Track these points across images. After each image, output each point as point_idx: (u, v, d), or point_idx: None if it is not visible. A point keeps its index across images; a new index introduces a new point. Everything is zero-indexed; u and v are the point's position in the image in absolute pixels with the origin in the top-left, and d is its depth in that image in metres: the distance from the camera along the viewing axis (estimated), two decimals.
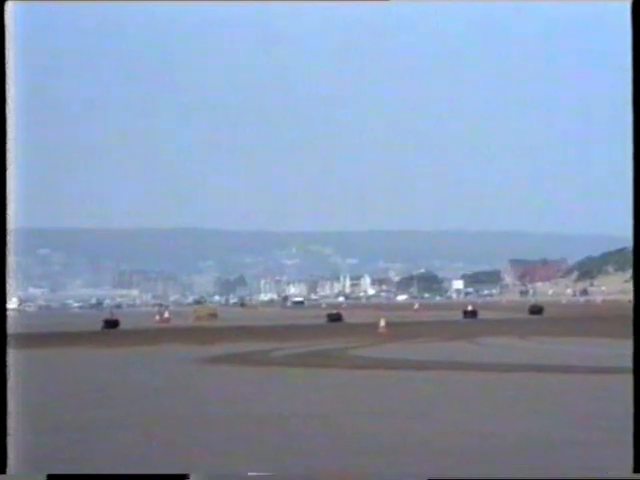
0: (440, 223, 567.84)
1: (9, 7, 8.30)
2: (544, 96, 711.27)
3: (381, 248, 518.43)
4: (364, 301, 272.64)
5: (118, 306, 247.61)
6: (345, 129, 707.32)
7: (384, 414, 17.26)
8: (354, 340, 45.32)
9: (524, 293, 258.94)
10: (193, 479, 10.44)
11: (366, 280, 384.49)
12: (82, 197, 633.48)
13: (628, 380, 9.88)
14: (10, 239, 8.40)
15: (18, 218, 8.69)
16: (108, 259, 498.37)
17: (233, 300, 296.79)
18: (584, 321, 67.31)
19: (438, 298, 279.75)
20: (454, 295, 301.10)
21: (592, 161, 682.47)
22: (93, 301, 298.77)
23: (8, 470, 8.57)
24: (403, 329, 57.33)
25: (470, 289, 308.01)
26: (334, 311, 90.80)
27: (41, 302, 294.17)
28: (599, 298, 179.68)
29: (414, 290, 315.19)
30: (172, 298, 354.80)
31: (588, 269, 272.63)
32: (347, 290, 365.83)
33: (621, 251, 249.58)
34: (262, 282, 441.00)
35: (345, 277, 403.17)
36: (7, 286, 8.35)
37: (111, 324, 73.43)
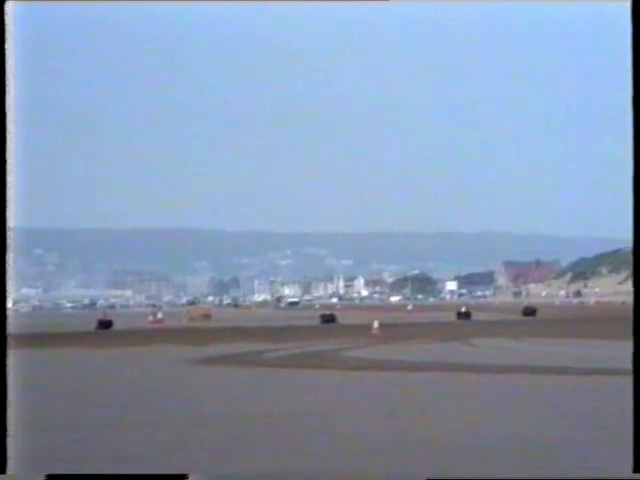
0: (434, 225, 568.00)
1: (9, 7, 8.30)
2: (542, 97, 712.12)
3: (375, 249, 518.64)
4: (358, 302, 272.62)
5: (111, 306, 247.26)
6: (341, 131, 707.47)
7: (378, 415, 17.27)
8: (348, 341, 45.32)
9: (517, 294, 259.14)
10: (192, 479, 10.44)
11: (360, 281, 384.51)
12: (76, 197, 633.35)
13: (622, 381, 9.93)
14: (10, 239, 8.40)
15: (12, 218, 8.69)
16: (102, 259, 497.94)
17: (227, 301, 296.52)
18: (577, 323, 67.39)
19: (432, 299, 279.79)
20: (448, 296, 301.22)
21: (587, 163, 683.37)
22: (86, 301, 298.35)
23: (8, 470, 8.57)
24: (397, 330, 57.34)
25: (464, 290, 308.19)
26: (328, 312, 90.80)
27: (35, 302, 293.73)
28: (592, 300, 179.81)
29: (408, 291, 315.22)
30: (166, 299, 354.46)
31: (582, 271, 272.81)
32: (341, 291, 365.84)
33: (615, 253, 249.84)
34: (256, 283, 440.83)
35: (339, 278, 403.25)
36: (7, 287, 8.35)
37: (104, 325, 73.31)
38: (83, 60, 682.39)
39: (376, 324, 54.38)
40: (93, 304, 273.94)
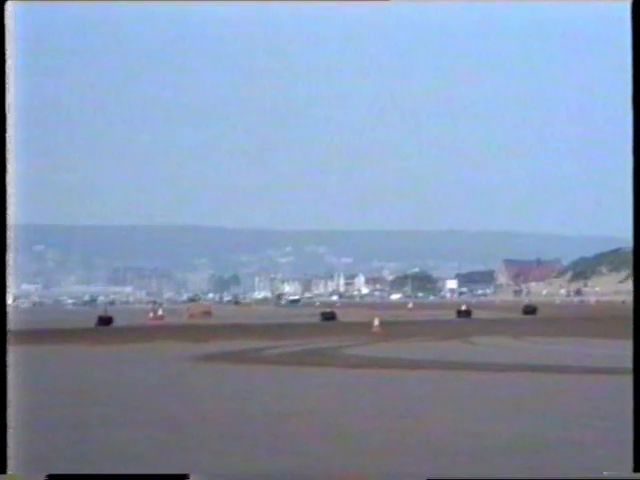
0: (435, 223, 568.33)
1: (9, 7, 8.29)
2: (542, 97, 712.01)
3: (375, 247, 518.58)
4: (358, 300, 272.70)
5: (112, 303, 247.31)
6: (341, 129, 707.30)
7: (378, 413, 17.25)
8: (348, 339, 45.31)
9: (518, 293, 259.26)
10: (192, 479, 10.43)
11: (360, 279, 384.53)
12: (77, 194, 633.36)
13: (622, 380, 9.91)
14: (10, 236, 8.40)
15: (12, 214, 8.68)
16: (102, 256, 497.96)
17: (227, 298, 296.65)
18: (578, 321, 67.39)
19: (432, 297, 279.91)
20: (448, 295, 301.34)
21: (588, 162, 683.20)
22: (87, 298, 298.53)
23: (8, 470, 8.56)
24: (397, 328, 57.34)
25: (464, 289, 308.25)
26: (328, 310, 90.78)
27: (35, 298, 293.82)
28: (593, 299, 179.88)
29: (408, 289, 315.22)
30: (166, 295, 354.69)
31: (582, 270, 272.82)
32: (341, 289, 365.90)
33: (615, 252, 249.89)
34: (256, 280, 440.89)
35: (339, 276, 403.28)
36: (7, 283, 8.34)
37: (105, 321, 73.28)
38: (83, 60, 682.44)
39: (376, 322, 54.37)
40: (93, 300, 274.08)
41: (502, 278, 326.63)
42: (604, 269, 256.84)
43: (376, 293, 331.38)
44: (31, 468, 11.39)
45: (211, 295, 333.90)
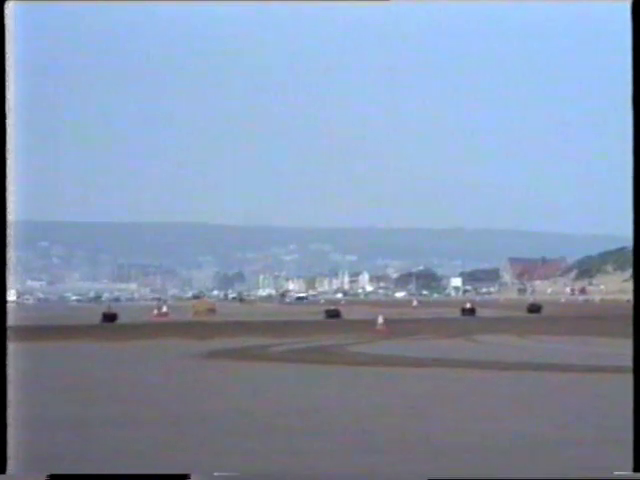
0: (439, 221, 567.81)
1: (9, 7, 8.28)
2: (544, 95, 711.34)
3: (380, 245, 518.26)
4: (362, 297, 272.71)
5: (116, 300, 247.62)
6: (345, 127, 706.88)
7: (382, 411, 17.25)
8: (352, 336, 45.32)
9: (523, 291, 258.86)
10: (194, 479, 10.42)
11: (365, 277, 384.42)
12: (82, 190, 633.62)
13: (627, 379, 9.88)
14: (10, 232, 8.40)
15: (17, 211, 8.68)
16: (107, 253, 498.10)
17: (232, 295, 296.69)
18: (583, 320, 67.34)
19: (436, 295, 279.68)
20: (452, 292, 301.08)
21: (592, 160, 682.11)
22: (91, 294, 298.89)
23: (8, 470, 8.56)
24: (401, 326, 57.33)
25: (468, 287, 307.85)
26: (332, 307, 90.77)
27: (40, 295, 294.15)
28: (598, 297, 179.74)
29: (412, 287, 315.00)
30: (171, 292, 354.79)
31: (587, 268, 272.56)
32: (346, 286, 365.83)
33: (620, 250, 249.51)
34: (261, 277, 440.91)
35: (344, 273, 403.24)
36: (7, 280, 8.35)
37: (109, 318, 73.34)
38: (83, 59, 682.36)
39: (381, 320, 54.34)
40: (98, 297, 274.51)
41: (507, 276, 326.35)
42: (609, 267, 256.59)
43: (380, 291, 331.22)
44: (32, 466, 11.39)
45: (215, 292, 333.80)
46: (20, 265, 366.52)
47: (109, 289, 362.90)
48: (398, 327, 54.82)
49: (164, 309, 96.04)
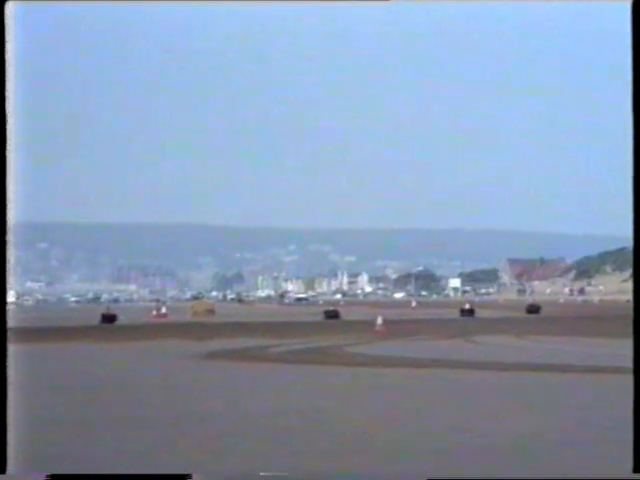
0: (438, 221, 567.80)
1: (9, 7, 8.29)
2: (543, 96, 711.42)
3: (379, 246, 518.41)
4: (361, 298, 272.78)
5: (115, 301, 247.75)
6: (345, 127, 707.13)
7: (381, 411, 17.26)
8: (351, 337, 45.33)
9: (522, 292, 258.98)
10: (195, 479, 10.43)
11: (364, 277, 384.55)
12: (81, 191, 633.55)
13: (626, 380, 9.89)
14: (10, 234, 8.40)
15: (16, 212, 8.69)
16: (106, 254, 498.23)
17: (231, 296, 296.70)
18: (582, 320, 67.37)
19: (435, 296, 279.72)
20: (451, 293, 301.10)
21: (591, 161, 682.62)
22: (90, 295, 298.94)
23: (8, 470, 8.57)
24: (400, 327, 57.35)
25: (467, 287, 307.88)
26: (331, 308, 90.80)
27: (39, 296, 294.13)
28: (597, 298, 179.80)
29: (411, 288, 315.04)
30: (170, 293, 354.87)
31: (586, 268, 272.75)
32: (345, 287, 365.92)
33: (619, 251, 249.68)
34: (260, 278, 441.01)
35: (343, 274, 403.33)
36: (7, 281, 8.35)
37: (108, 319, 73.38)
38: (83, 59, 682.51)
39: (380, 320, 54.36)
40: (97, 298, 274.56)
41: (505, 277, 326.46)
42: (608, 268, 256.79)
43: (379, 292, 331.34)
44: (32, 466, 11.39)
45: (214, 293, 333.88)
46: (19, 266, 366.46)
47: (108, 290, 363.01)
48: (397, 328, 54.83)
49: (163, 310, 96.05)
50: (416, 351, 35.09)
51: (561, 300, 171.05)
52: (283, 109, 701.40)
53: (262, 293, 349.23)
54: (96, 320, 71.93)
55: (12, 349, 9.10)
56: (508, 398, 19.33)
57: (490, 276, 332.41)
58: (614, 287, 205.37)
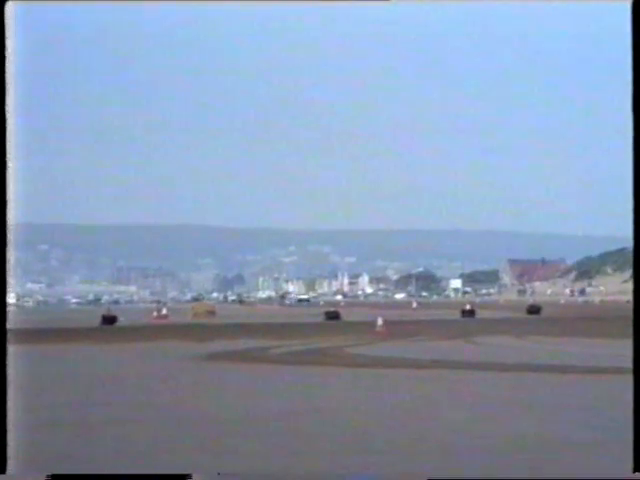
0: (439, 222, 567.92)
1: (9, 7, 8.29)
2: (543, 96, 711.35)
3: (379, 247, 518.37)
4: (362, 299, 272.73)
5: (116, 302, 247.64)
6: (344, 129, 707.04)
7: (382, 412, 17.25)
8: (352, 338, 45.32)
9: (522, 293, 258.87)
10: (195, 479, 10.42)
11: (364, 278, 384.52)
12: (81, 193, 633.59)
13: (626, 380, 9.89)
14: (10, 235, 8.40)
15: (17, 214, 8.68)
16: (106, 255, 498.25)
17: (231, 297, 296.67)
18: (582, 321, 67.33)
19: (436, 297, 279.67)
20: (452, 294, 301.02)
21: (591, 161, 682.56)
22: (91, 297, 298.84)
23: (8, 470, 8.57)
24: (401, 328, 57.33)
25: (468, 288, 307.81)
26: (332, 309, 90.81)
27: (39, 297, 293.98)
28: (597, 298, 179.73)
29: (412, 289, 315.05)
30: (170, 295, 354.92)
31: (587, 269, 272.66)
32: (345, 288, 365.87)
33: (620, 251, 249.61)
34: (260, 280, 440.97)
35: (343, 275, 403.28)
36: (7, 282, 8.35)
37: (109, 320, 73.39)
38: (83, 60, 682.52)
39: (380, 321, 54.36)
40: (97, 300, 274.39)
41: (506, 278, 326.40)
42: (609, 269, 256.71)
43: (380, 292, 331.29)
44: (32, 466, 11.39)
45: (215, 294, 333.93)
46: (19, 268, 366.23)
47: (108, 291, 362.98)
48: (398, 329, 54.82)
49: (164, 311, 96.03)
50: (417, 352, 35.08)
51: (562, 301, 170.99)
52: (282, 110, 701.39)
53: (263, 294, 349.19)
54: (97, 321, 71.93)
55: (12, 350, 9.10)
56: (508, 399, 19.32)
57: (491, 277, 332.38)
58: (615, 288, 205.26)
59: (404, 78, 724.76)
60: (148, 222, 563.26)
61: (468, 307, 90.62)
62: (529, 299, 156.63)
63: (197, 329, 59.69)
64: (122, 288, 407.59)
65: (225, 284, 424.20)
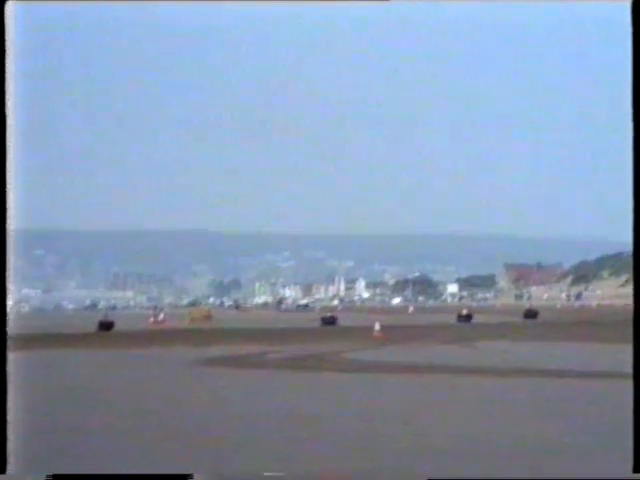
0: (435, 227, 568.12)
1: (9, 7, 8.28)
2: (543, 99, 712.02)
3: (376, 251, 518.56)
4: (359, 304, 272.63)
5: (113, 308, 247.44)
6: (339, 134, 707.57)
7: (379, 417, 17.25)
8: (349, 344, 45.31)
9: (519, 297, 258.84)
10: (196, 479, 10.42)
11: (361, 283, 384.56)
12: (77, 199, 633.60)
13: (623, 385, 9.90)
14: (10, 241, 8.39)
15: (12, 219, 8.67)
16: (102, 261, 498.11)
17: (228, 303, 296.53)
18: (579, 326, 67.34)
19: (432, 302, 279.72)
20: (449, 299, 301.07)
21: (588, 165, 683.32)
22: (87, 303, 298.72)
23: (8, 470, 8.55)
24: (398, 332, 57.30)
25: (465, 293, 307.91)
26: (328, 314, 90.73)
27: (35, 303, 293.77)
28: (594, 303, 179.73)
29: (409, 293, 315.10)
30: (167, 300, 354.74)
31: (583, 273, 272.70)
32: (342, 293, 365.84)
33: (616, 256, 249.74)
34: (257, 285, 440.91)
35: (340, 280, 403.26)
36: (7, 288, 8.34)
37: (106, 326, 73.27)
38: (83, 61, 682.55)
39: (377, 326, 54.35)
40: (94, 305, 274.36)
41: (503, 282, 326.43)
42: (605, 273, 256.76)
43: (377, 297, 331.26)
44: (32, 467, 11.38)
45: (211, 300, 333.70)
46: (15, 273, 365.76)
47: (105, 297, 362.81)
48: (395, 334, 54.78)
49: (160, 317, 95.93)
50: (414, 357, 35.08)
51: (558, 305, 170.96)
52: (279, 117, 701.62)
53: (259, 299, 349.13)
54: (93, 327, 71.85)
55: (9, 356, 9.08)
56: (505, 404, 19.33)
57: (487, 281, 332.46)
58: (611, 292, 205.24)
59: (403, 80, 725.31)
60: (144, 228, 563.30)
61: (465, 312, 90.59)
62: (526, 303, 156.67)
63: (194, 334, 59.65)
64: (119, 294, 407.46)
65: (221, 289, 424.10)
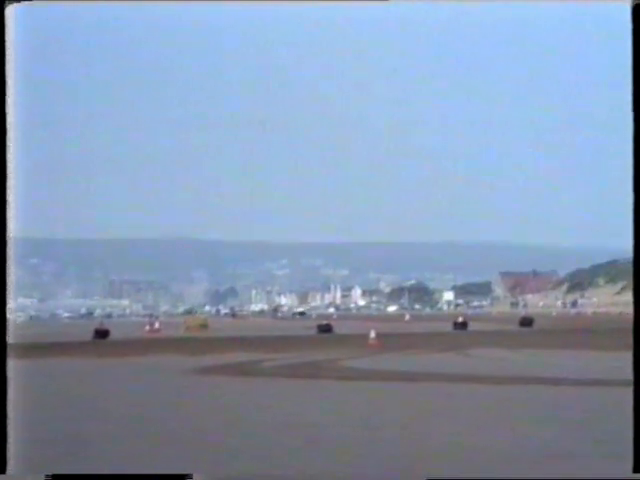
0: (431, 235, 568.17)
1: (10, 9, 8.30)
2: (540, 105, 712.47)
3: (372, 259, 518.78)
4: (355, 312, 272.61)
5: (108, 316, 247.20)
6: (336, 142, 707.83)
7: (374, 425, 17.25)
8: (345, 351, 45.30)
9: (514, 305, 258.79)
10: (196, 479, 10.42)
11: (357, 291, 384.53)
12: (73, 207, 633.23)
13: (619, 393, 9.93)
14: (10, 250, 8.40)
15: (9, 228, 8.68)
16: (98, 269, 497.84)
17: (224, 311, 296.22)
18: (574, 333, 67.40)
19: (428, 309, 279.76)
20: (444, 306, 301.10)
21: (584, 173, 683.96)
22: (83, 311, 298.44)
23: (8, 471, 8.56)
24: (393, 340, 57.31)
25: (460, 300, 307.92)
26: (324, 322, 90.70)
27: (31, 312, 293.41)
28: (589, 310, 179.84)
29: (405, 301, 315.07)
30: (163, 308, 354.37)
31: (579, 281, 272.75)
32: (338, 301, 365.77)
33: (612, 263, 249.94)
34: (253, 293, 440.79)
35: (336, 288, 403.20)
36: (7, 297, 8.35)
37: (101, 334, 73.21)
38: (84, 62, 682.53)
39: (373, 334, 54.36)
40: (90, 314, 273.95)
41: (498, 290, 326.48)
42: (601, 280, 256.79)
43: (373, 305, 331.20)
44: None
45: (207, 308, 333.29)
46: (11, 282, 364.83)
47: (101, 305, 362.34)
48: (390, 342, 54.79)
49: (156, 325, 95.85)
50: (409, 365, 35.08)
51: (554, 313, 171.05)
52: (276, 125, 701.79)
53: (255, 307, 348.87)
54: (89, 336, 71.77)
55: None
56: (501, 411, 19.33)
57: (483, 289, 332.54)
58: (607, 300, 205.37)
59: (402, 82, 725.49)
60: (140, 236, 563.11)
61: (461, 319, 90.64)
62: (521, 311, 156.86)
63: (190, 343, 59.60)
64: (114, 302, 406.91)
65: (217, 297, 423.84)
